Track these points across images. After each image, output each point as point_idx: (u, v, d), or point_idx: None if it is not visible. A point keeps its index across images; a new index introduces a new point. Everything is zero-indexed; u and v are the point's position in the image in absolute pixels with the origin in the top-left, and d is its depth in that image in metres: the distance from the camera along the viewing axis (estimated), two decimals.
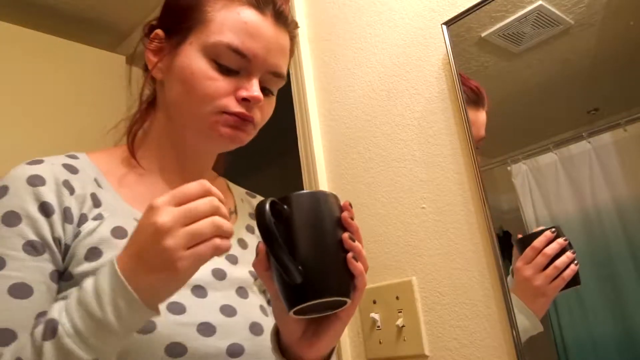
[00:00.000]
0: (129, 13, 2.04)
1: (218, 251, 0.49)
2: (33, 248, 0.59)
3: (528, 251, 0.87)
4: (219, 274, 0.69)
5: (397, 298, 1.06)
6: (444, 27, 1.04)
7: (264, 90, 0.71)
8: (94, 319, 0.47)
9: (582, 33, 0.88)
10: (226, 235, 0.50)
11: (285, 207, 0.52)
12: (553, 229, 0.86)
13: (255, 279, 0.73)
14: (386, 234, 1.12)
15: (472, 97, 1.00)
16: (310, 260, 0.50)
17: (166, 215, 0.48)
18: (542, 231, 0.87)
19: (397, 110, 1.14)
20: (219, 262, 0.71)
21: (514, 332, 0.88)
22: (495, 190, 0.96)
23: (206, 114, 0.68)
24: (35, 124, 1.75)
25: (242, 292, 0.70)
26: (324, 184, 1.27)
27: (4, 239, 0.58)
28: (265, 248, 0.51)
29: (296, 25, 0.76)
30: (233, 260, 0.73)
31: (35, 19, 1.91)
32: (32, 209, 0.60)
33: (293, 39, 0.76)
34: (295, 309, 0.51)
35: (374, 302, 1.10)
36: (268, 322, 0.68)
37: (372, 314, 1.09)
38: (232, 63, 0.68)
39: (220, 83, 0.67)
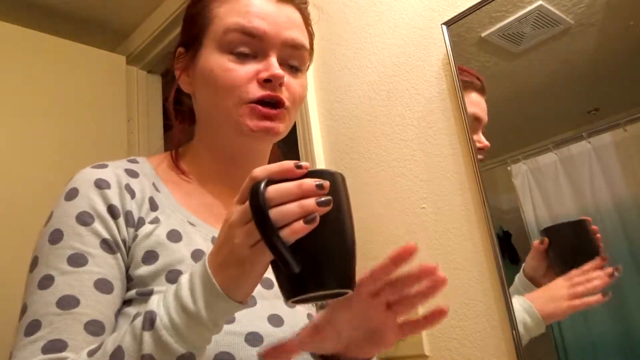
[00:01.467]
0: (129, 13, 2.03)
1: None
2: (108, 246, 0.62)
3: (577, 273, 0.84)
4: (266, 283, 0.69)
5: None
6: (444, 27, 1.04)
7: (290, 67, 0.71)
8: (189, 313, 0.49)
9: (582, 33, 0.88)
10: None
11: None
12: (604, 257, 0.83)
13: None
14: (386, 234, 1.12)
15: (477, 84, 1.00)
16: (309, 249, 0.46)
17: (233, 214, 0.48)
18: (572, 222, 0.86)
19: (397, 110, 1.14)
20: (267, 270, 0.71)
21: (514, 332, 0.88)
22: (495, 190, 0.96)
23: (232, 108, 0.68)
24: (35, 124, 1.75)
25: None
26: None
27: (82, 237, 0.61)
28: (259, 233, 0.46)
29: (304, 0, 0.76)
30: None
31: (35, 19, 1.91)
32: (102, 210, 0.63)
33: (303, 12, 0.75)
34: (291, 300, 0.48)
35: None
36: None
37: None
38: (246, 47, 0.68)
39: (239, 71, 0.68)
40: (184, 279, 0.51)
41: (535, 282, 0.89)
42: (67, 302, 0.57)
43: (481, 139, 0.98)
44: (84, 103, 1.88)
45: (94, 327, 0.58)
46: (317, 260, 0.46)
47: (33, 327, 0.57)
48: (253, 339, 0.62)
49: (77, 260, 0.60)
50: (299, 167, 0.47)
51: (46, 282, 0.59)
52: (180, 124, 0.81)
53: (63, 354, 0.55)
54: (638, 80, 0.81)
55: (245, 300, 0.51)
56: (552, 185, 0.89)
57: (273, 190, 0.46)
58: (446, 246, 1.01)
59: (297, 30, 0.72)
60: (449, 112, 1.04)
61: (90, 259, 0.60)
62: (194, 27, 0.73)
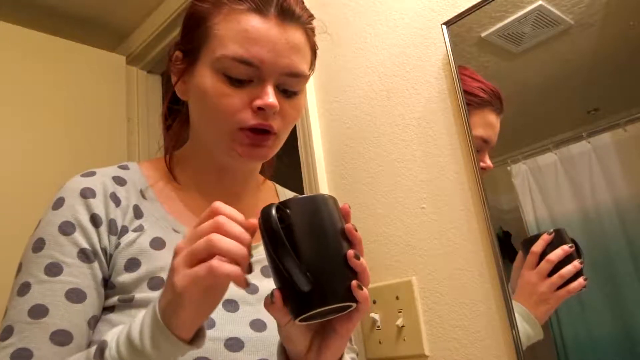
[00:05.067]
0: (129, 13, 2.03)
1: (214, 273, 0.46)
2: (85, 256, 0.63)
3: (529, 257, 0.86)
4: (251, 289, 0.69)
5: (397, 298, 1.06)
6: (444, 27, 1.04)
7: (285, 92, 0.69)
8: (135, 350, 0.50)
9: (582, 33, 0.88)
10: (226, 254, 0.47)
11: (288, 211, 0.50)
12: (551, 231, 0.85)
13: None
14: (386, 234, 1.12)
15: (496, 104, 0.97)
16: (316, 267, 0.49)
17: (182, 241, 0.50)
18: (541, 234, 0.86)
19: (397, 110, 1.14)
20: (252, 275, 0.71)
21: (514, 332, 0.88)
22: (495, 190, 0.96)
23: (224, 133, 0.68)
24: (35, 124, 1.75)
25: None
26: (324, 184, 1.27)
27: (61, 247, 0.63)
28: (270, 254, 0.49)
29: (309, 16, 0.73)
30: (268, 272, 0.72)
31: (35, 19, 1.91)
32: (84, 220, 0.65)
33: (308, 31, 0.72)
34: (302, 317, 0.50)
35: (374, 302, 1.10)
36: None
37: (372, 314, 1.09)
38: (242, 74, 0.66)
39: (233, 97, 0.66)
40: (139, 316, 0.52)
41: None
42: (38, 312, 0.60)
43: (486, 160, 0.97)
44: (84, 103, 1.88)
45: (60, 337, 0.59)
46: (322, 277, 0.49)
47: (7, 332, 0.59)
48: (234, 344, 0.63)
49: (53, 269, 0.62)
50: None
51: (24, 289, 0.61)
52: (177, 124, 0.80)
53: None
54: (638, 80, 0.81)
55: (197, 342, 0.51)
56: (552, 185, 0.89)
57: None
58: (446, 246, 1.01)
59: (297, 56, 0.69)
60: (449, 112, 1.04)
61: (66, 268, 0.62)
62: (192, 39, 0.71)
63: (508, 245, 0.94)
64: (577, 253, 0.84)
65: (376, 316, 1.09)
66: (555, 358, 0.86)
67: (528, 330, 0.86)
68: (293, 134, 1.34)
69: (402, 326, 1.04)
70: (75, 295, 0.61)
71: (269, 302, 0.52)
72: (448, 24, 1.04)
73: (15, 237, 1.53)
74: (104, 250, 0.65)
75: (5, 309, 0.62)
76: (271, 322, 0.66)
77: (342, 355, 0.61)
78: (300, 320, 0.50)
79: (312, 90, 1.34)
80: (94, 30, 2.08)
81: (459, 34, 1.02)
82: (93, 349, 0.53)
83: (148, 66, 2.15)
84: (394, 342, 1.06)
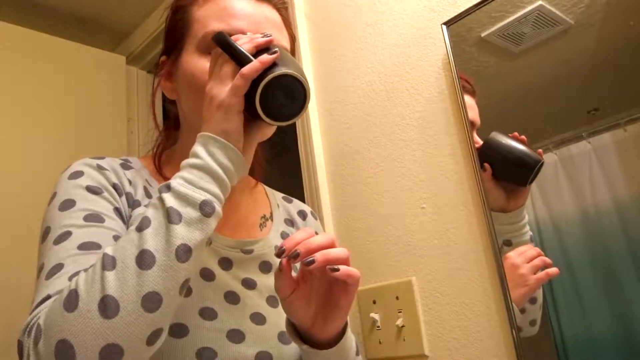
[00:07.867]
0: (129, 13, 2.03)
1: (246, 77, 0.55)
2: (120, 215, 0.64)
3: (524, 248, 0.91)
4: (249, 284, 0.70)
5: (397, 298, 1.06)
6: (444, 27, 1.04)
7: None
8: (197, 167, 0.55)
9: (582, 33, 0.88)
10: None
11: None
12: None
13: None
14: (386, 234, 1.12)
15: (468, 87, 1.01)
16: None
17: (210, 85, 0.59)
18: (488, 139, 0.95)
19: (397, 110, 1.14)
20: (250, 271, 0.72)
21: (514, 332, 0.88)
22: None
23: None
24: (35, 123, 1.75)
25: (272, 300, 0.71)
26: (323, 184, 1.27)
27: (95, 202, 0.62)
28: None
29: (283, 2, 0.76)
30: (267, 268, 0.74)
31: (35, 19, 1.91)
32: (108, 186, 0.65)
33: (282, 12, 0.75)
34: (266, 80, 0.55)
35: (374, 302, 1.10)
36: None
37: (372, 314, 1.09)
38: None
39: None
40: (185, 161, 0.57)
41: (507, 210, 0.94)
42: (89, 246, 0.57)
43: (477, 140, 0.99)
44: (84, 103, 1.88)
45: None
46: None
47: (55, 269, 0.55)
48: (235, 335, 0.64)
49: (94, 218, 0.60)
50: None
51: (63, 237, 0.58)
52: (165, 130, 0.81)
53: None
54: (638, 80, 0.81)
55: (240, 148, 0.58)
56: (552, 185, 0.89)
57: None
58: (446, 246, 1.01)
59: (277, 32, 0.72)
60: (449, 112, 1.04)
61: (107, 219, 0.61)
62: (174, 34, 0.74)
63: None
64: None
65: (376, 316, 1.09)
66: (555, 358, 0.86)
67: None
68: (293, 134, 1.35)
69: (402, 326, 1.04)
70: None
71: (278, 272, 0.59)
72: (448, 24, 1.04)
73: (15, 236, 1.53)
74: (127, 217, 0.65)
75: (39, 267, 0.57)
76: (270, 315, 0.69)
77: (345, 324, 0.65)
78: (267, 113, 0.57)
79: (312, 91, 1.34)
80: (94, 30, 2.08)
81: (459, 34, 1.02)
82: (154, 198, 0.54)
83: (148, 66, 2.15)
84: (394, 342, 1.06)
